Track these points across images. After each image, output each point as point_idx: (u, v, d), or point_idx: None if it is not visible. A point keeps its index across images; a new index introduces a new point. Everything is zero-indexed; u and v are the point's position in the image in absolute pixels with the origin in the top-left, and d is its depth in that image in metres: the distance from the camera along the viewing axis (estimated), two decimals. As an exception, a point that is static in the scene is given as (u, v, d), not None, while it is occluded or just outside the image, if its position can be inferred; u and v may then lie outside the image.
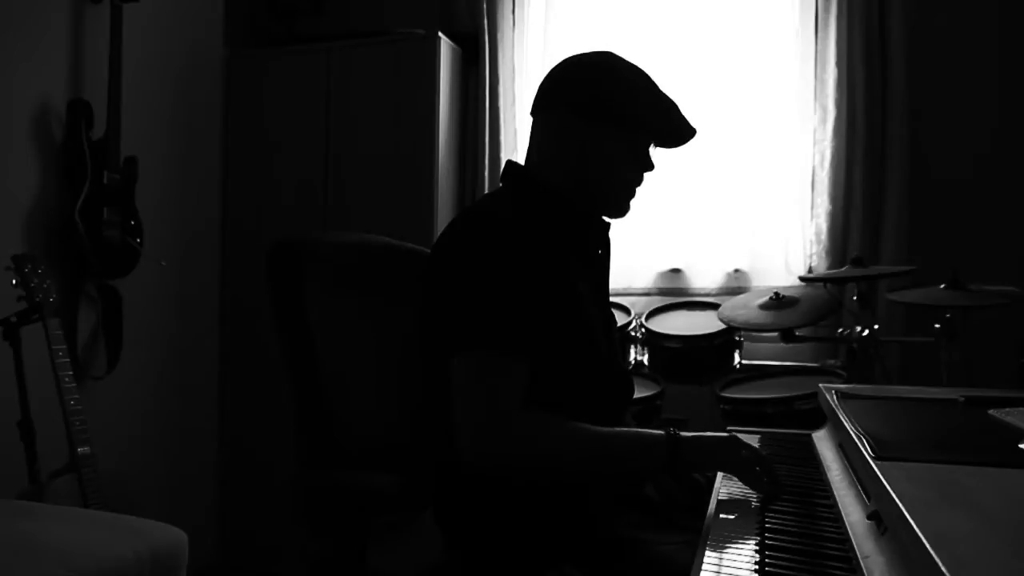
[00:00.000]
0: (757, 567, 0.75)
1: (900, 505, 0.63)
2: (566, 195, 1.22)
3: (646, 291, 2.64)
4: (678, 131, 1.24)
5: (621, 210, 1.27)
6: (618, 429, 1.11)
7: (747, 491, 1.04)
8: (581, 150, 1.20)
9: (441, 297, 1.13)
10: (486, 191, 2.70)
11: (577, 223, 1.24)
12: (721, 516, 0.94)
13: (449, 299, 1.11)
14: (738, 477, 1.06)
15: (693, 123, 1.25)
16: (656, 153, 1.28)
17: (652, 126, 1.23)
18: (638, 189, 1.27)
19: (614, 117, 1.20)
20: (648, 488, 1.28)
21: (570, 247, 1.22)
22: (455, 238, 1.16)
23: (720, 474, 1.16)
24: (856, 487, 0.91)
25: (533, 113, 1.27)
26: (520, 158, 1.33)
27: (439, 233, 1.21)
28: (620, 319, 2.36)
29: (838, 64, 2.41)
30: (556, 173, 1.22)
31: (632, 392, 1.39)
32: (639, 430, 1.11)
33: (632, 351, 2.37)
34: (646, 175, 1.26)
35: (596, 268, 1.31)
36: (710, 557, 0.79)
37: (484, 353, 1.05)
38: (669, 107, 1.23)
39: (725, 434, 1.12)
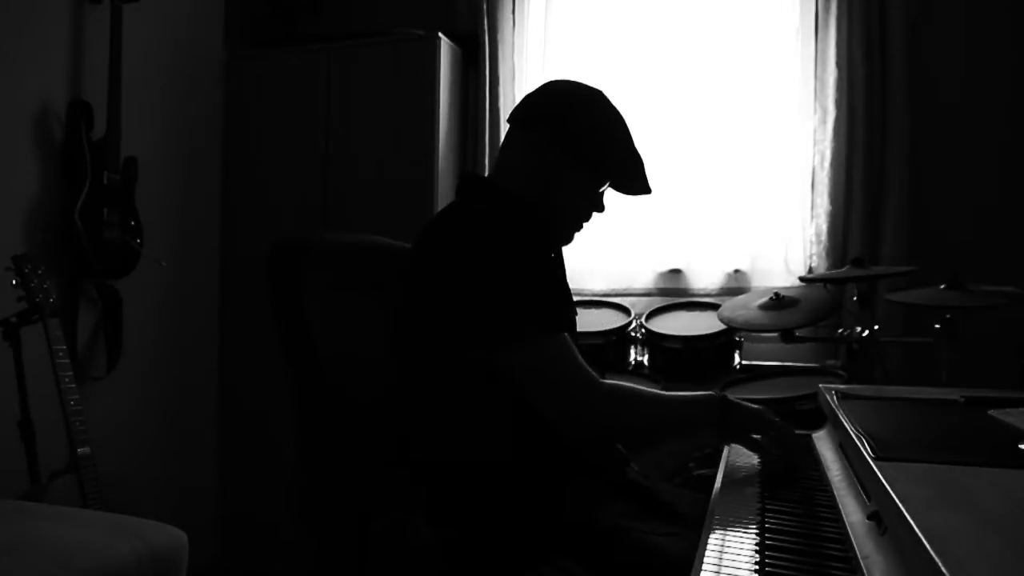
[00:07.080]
0: (757, 567, 0.75)
1: (900, 505, 0.63)
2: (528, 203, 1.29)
3: (646, 291, 2.63)
4: (636, 186, 1.35)
5: (565, 239, 1.36)
6: (672, 393, 1.24)
7: (746, 492, 1.04)
8: (544, 174, 1.27)
9: (456, 295, 1.15)
10: (486, 191, 2.70)
11: (541, 228, 1.30)
12: (720, 515, 0.94)
13: (474, 296, 1.13)
14: (770, 440, 1.18)
15: (651, 183, 1.35)
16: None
17: (613, 174, 1.32)
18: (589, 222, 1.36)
19: (583, 155, 1.27)
20: (631, 472, 1.33)
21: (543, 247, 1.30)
22: (452, 238, 1.19)
23: (720, 473, 1.16)
24: (856, 487, 0.91)
25: (511, 122, 1.33)
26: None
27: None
28: (620, 320, 2.37)
29: (838, 64, 2.41)
30: (517, 187, 1.28)
31: None
32: (691, 393, 1.22)
33: (632, 351, 2.37)
34: (595, 215, 1.36)
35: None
36: (709, 557, 0.79)
37: (546, 336, 1.13)
38: (636, 163, 1.33)
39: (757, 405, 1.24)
